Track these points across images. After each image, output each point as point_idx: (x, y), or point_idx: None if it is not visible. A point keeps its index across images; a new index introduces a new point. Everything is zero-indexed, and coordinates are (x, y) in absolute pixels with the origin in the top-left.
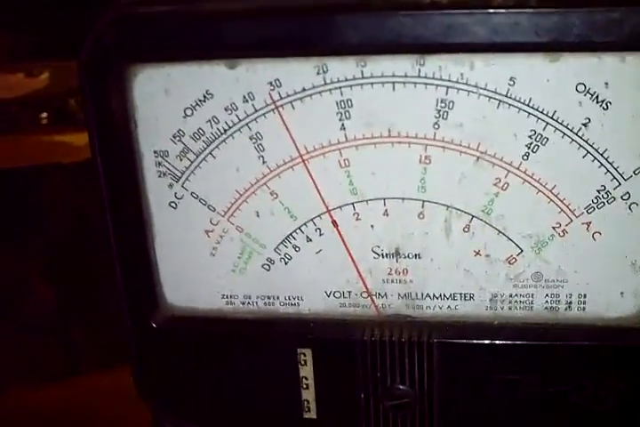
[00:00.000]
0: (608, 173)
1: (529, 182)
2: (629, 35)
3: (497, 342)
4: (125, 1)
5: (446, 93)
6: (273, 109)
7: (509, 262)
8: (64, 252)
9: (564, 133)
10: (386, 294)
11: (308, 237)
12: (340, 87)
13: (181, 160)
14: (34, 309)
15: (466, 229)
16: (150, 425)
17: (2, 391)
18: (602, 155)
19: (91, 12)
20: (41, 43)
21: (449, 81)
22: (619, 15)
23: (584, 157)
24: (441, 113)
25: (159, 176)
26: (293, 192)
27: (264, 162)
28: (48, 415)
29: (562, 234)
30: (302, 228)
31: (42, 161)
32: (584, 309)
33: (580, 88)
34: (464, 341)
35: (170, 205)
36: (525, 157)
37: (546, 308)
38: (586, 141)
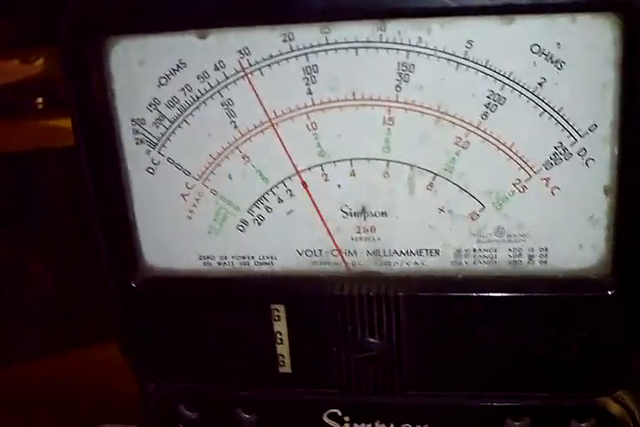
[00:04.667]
0: (564, 131)
1: (488, 141)
2: None
3: (461, 294)
4: None
5: (407, 57)
6: (243, 76)
7: (472, 218)
8: (62, 236)
9: (521, 93)
10: (355, 251)
11: (279, 198)
12: (306, 53)
13: (157, 127)
14: (33, 292)
15: (429, 187)
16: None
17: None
18: (558, 113)
19: None
20: (36, 29)
21: (409, 45)
22: None
23: (541, 115)
24: (402, 76)
25: (137, 143)
26: (264, 155)
27: (235, 127)
28: (48, 386)
29: (522, 190)
30: (274, 189)
31: (38, 146)
32: (545, 262)
33: (535, 49)
34: (430, 294)
35: (147, 170)
36: (484, 117)
37: (509, 262)
38: (542, 100)
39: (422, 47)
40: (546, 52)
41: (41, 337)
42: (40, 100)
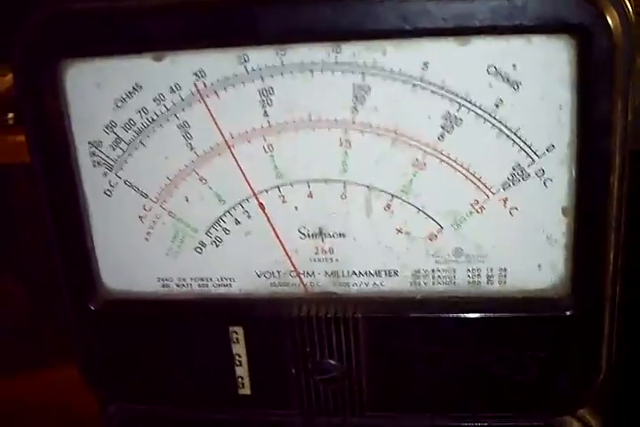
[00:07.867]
0: (522, 151)
1: (445, 162)
2: (533, 19)
3: (420, 315)
4: None
5: (362, 79)
6: (198, 99)
7: (430, 239)
8: (35, 252)
9: (478, 114)
10: (313, 272)
11: (236, 219)
12: (262, 76)
13: (114, 150)
14: (7, 309)
15: (386, 208)
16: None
17: None
18: (515, 133)
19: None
20: (5, 43)
21: (364, 66)
22: (521, 1)
23: (498, 136)
24: (358, 98)
25: (94, 166)
26: (221, 177)
27: (192, 149)
28: (17, 405)
29: (480, 210)
30: (231, 211)
31: (9, 161)
32: (505, 282)
33: (491, 70)
34: (388, 315)
35: (105, 192)
36: (441, 138)
37: (468, 282)
38: (499, 121)
39: (378, 69)
40: (502, 73)
41: (12, 355)
42: (10, 115)
